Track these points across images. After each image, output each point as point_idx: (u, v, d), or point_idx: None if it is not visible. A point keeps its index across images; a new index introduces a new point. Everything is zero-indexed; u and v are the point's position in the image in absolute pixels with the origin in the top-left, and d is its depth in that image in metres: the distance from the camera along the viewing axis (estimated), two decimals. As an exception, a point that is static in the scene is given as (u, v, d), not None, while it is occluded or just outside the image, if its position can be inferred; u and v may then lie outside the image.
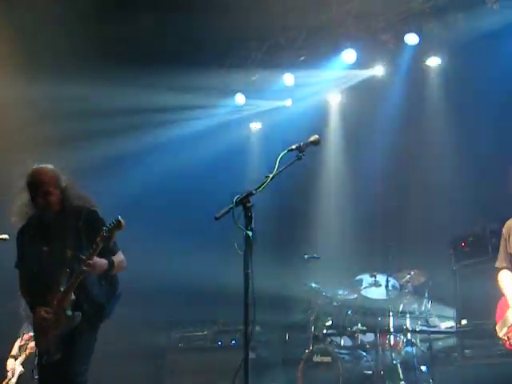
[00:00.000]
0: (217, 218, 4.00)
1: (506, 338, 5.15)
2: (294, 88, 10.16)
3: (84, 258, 4.69)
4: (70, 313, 4.78)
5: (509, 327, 5.13)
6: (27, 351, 7.83)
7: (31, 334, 7.15)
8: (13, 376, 7.83)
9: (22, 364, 7.85)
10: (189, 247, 8.89)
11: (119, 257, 4.99)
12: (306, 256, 8.33)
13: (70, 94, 8.88)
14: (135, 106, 9.39)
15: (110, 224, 4.69)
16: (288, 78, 9.92)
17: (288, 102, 10.55)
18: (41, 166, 4.99)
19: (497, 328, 5.29)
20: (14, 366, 7.85)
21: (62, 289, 4.80)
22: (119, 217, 4.68)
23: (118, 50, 8.98)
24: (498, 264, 5.45)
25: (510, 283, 5.31)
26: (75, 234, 4.88)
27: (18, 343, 7.96)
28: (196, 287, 8.80)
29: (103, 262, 4.80)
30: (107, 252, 4.90)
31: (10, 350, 7.97)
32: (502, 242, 5.43)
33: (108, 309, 4.95)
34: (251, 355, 3.98)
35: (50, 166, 5.00)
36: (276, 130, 10.18)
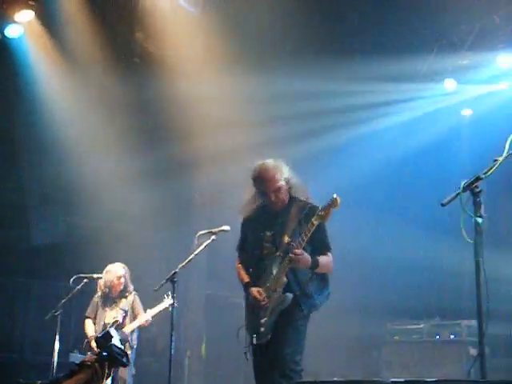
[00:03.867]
0: (443, 205, 3.87)
1: None
2: (510, 71, 9.56)
3: (294, 244, 4.84)
4: (281, 293, 4.93)
5: None
6: None
7: None
8: None
9: None
10: (413, 236, 8.74)
11: (327, 258, 5.07)
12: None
13: (293, 91, 9.18)
14: (351, 98, 9.45)
15: (326, 204, 4.78)
16: (503, 60, 9.35)
17: (503, 86, 9.94)
18: (265, 161, 5.19)
19: None
20: None
21: (274, 271, 5.00)
22: (335, 194, 4.74)
23: (330, 45, 9.06)
24: None
25: None
26: (296, 223, 5.04)
27: None
28: (417, 277, 8.64)
29: (308, 258, 4.89)
30: (320, 246, 5.05)
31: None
32: None
33: (317, 300, 5.03)
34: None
35: (272, 161, 5.19)
36: (489, 116, 9.64)
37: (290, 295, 4.94)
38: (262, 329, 4.98)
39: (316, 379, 4.43)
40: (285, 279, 4.94)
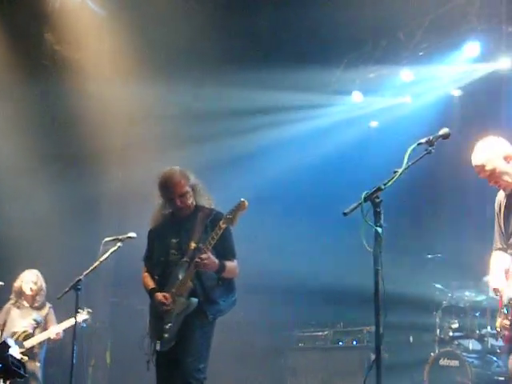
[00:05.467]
0: (345, 214, 3.93)
1: (499, 330, 4.55)
2: (413, 84, 9.92)
3: (202, 246, 4.91)
4: (186, 298, 4.96)
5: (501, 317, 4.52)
6: None
7: None
8: None
9: None
10: (314, 245, 8.91)
11: (233, 263, 5.14)
12: (429, 255, 8.11)
13: (192, 95, 9.17)
14: (256, 105, 9.54)
15: (233, 207, 4.88)
16: (406, 75, 9.71)
17: (407, 99, 10.31)
18: (170, 168, 5.23)
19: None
20: None
21: (180, 277, 5.03)
22: (242, 198, 4.86)
23: (237, 50, 9.12)
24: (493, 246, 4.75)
25: (498, 268, 4.59)
26: (202, 230, 5.09)
27: None
28: (319, 286, 8.81)
29: (215, 261, 4.94)
30: (226, 252, 5.11)
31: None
32: (496, 220, 4.74)
33: (222, 305, 5.08)
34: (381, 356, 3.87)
35: (178, 168, 5.24)
36: (394, 128, 9.96)
37: (195, 300, 4.97)
38: (166, 335, 4.98)
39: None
40: (190, 284, 4.98)
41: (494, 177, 4.57)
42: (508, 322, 4.45)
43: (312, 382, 8.73)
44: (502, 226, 4.68)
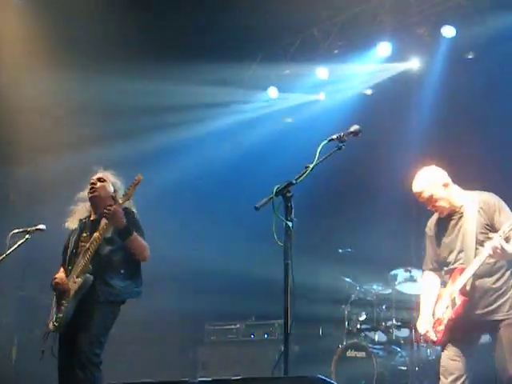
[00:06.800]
0: (257, 208, 3.99)
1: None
2: (328, 82, 10.10)
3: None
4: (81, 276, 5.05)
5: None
6: None
7: None
8: None
9: None
10: (226, 238, 8.92)
11: (142, 240, 5.22)
12: (340, 250, 8.31)
13: (111, 90, 9.03)
14: (170, 101, 9.47)
15: (131, 183, 5.11)
16: (321, 72, 9.87)
17: (321, 96, 10.49)
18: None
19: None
20: None
21: (82, 261, 5.14)
22: (139, 174, 5.07)
23: (155, 46, 9.04)
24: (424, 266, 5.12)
25: (429, 291, 4.97)
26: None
27: None
28: (231, 279, 8.85)
29: (122, 216, 5.04)
30: (133, 228, 5.19)
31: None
32: (428, 241, 5.08)
33: (117, 290, 5.13)
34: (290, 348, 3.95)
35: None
36: (309, 124, 10.11)
37: (89, 276, 5.05)
38: (61, 314, 5.04)
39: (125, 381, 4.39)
40: (90, 266, 5.05)
41: (430, 202, 4.87)
42: (443, 328, 4.70)
43: (224, 375, 8.75)
44: (436, 247, 4.96)
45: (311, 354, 8.32)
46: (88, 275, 5.05)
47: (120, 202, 5.07)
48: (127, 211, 5.19)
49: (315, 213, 9.28)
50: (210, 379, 3.58)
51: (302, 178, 4.06)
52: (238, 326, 9.07)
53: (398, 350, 7.67)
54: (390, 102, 9.74)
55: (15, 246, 5.64)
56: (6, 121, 9.13)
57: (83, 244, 5.26)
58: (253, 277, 8.48)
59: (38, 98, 9.23)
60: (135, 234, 5.13)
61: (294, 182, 4.03)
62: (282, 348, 3.81)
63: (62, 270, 5.39)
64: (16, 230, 5.68)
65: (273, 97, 10.44)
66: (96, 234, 5.10)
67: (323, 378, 3.23)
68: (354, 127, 4.26)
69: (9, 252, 5.61)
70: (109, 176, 5.47)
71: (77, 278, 5.08)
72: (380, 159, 9.29)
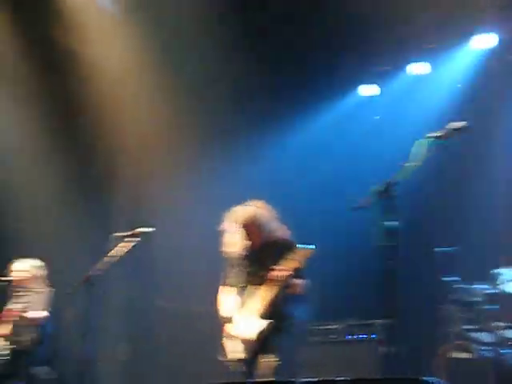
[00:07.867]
0: (354, 209, 3.94)
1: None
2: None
3: None
4: None
5: None
6: None
7: None
8: None
9: None
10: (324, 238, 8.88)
11: None
12: (444, 248, 8.13)
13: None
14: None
15: None
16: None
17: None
18: None
19: None
20: None
21: None
22: None
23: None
24: None
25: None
26: None
27: None
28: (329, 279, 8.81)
29: None
30: None
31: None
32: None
33: None
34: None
35: None
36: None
37: None
38: None
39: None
40: None
41: None
42: None
43: (326, 376, 8.68)
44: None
45: (412, 354, 8.15)
46: None
47: None
48: None
49: (415, 211, 9.09)
50: (315, 379, 3.58)
51: (402, 178, 3.98)
52: (338, 326, 8.98)
53: (508, 351, 7.39)
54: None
55: (122, 248, 5.78)
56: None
57: None
58: (352, 277, 8.39)
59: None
60: None
61: (394, 181, 3.95)
62: (385, 349, 3.74)
63: None
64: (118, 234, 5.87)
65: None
66: None
67: (438, 380, 3.16)
68: (460, 124, 4.11)
69: (114, 255, 5.76)
70: None
71: None
72: (482, 157, 9.09)
